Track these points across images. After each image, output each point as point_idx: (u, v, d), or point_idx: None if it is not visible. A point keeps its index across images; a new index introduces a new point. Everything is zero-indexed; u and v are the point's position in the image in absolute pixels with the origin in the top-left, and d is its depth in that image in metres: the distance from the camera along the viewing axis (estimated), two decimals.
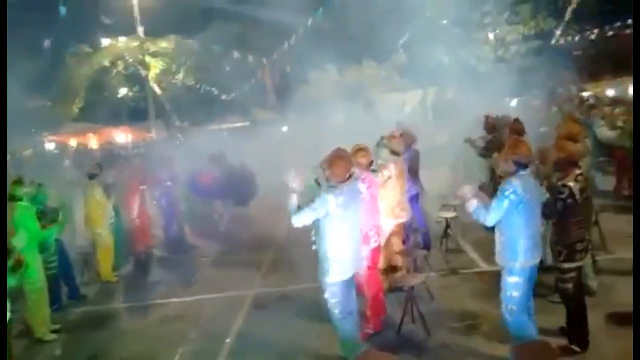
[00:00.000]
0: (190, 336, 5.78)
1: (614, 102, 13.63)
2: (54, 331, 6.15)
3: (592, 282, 5.55)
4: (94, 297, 7.47)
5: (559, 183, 4.37)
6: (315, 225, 4.40)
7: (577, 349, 4.51)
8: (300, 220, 4.31)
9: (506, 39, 26.13)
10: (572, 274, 4.43)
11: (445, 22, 24.65)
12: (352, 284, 4.53)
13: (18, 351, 5.50)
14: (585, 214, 4.54)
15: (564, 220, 4.34)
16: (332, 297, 4.39)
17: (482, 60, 25.93)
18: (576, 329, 4.54)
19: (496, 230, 4.21)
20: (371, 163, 5.34)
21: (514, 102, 21.92)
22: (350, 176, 4.41)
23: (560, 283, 4.55)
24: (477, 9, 25.28)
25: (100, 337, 6.07)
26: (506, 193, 3.98)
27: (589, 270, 5.56)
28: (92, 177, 7.98)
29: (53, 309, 6.70)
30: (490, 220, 4.07)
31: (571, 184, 4.30)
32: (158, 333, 6.01)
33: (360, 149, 5.19)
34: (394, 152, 6.00)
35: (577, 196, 4.29)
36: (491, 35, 25.61)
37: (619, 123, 9.70)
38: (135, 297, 7.26)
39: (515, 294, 4.13)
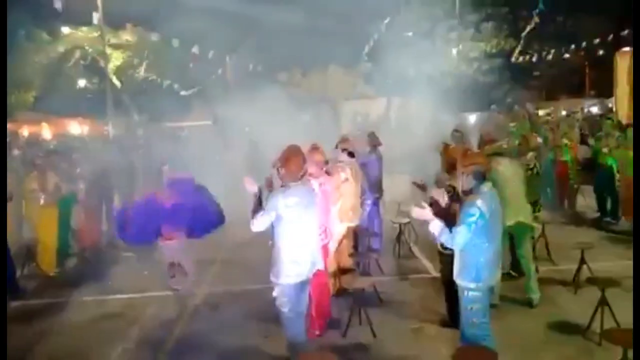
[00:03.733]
0: (131, 334, 5.59)
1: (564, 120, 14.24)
2: None
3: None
4: (34, 291, 7.14)
5: (448, 183, 4.83)
6: (272, 225, 4.30)
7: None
8: (256, 225, 4.19)
9: (469, 55, 26.82)
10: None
11: (410, 34, 25.10)
12: (306, 285, 4.44)
13: None
14: None
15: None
16: (282, 295, 4.27)
17: (445, 75, 26.50)
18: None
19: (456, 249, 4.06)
20: (326, 162, 5.33)
21: (473, 117, 22.51)
22: (304, 174, 4.34)
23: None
24: (442, 24, 25.87)
25: (36, 332, 5.78)
26: (472, 218, 3.83)
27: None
28: (37, 167, 7.68)
29: None
30: (458, 244, 3.91)
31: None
32: (97, 330, 5.78)
33: (315, 148, 5.18)
34: (350, 154, 6.02)
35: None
36: (454, 51, 26.23)
37: (565, 140, 10.14)
38: (76, 292, 6.96)
39: (476, 306, 3.98)
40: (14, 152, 13.12)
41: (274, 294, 4.35)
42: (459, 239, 3.87)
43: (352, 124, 19.02)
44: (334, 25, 20.83)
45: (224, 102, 23.39)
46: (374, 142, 7.53)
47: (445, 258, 4.70)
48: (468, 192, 4.01)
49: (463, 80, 25.98)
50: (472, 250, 3.92)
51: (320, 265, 4.58)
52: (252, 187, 4.26)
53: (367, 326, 5.19)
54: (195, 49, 21.04)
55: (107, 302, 6.63)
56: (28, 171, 8.10)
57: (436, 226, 3.94)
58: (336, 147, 6.06)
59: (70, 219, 8.39)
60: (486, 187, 3.99)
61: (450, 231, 3.91)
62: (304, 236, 4.29)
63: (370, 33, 24.44)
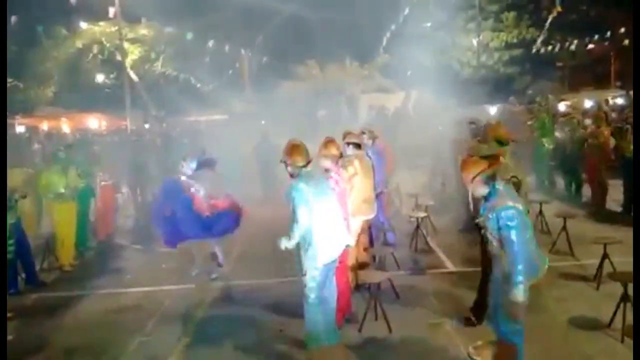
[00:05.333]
0: (148, 326, 5.62)
1: (585, 113, 13.81)
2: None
3: None
4: (53, 284, 7.25)
5: None
6: (294, 217, 4.34)
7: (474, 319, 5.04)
8: (301, 224, 4.26)
9: (489, 46, 26.36)
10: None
11: (429, 25, 24.76)
12: (333, 268, 4.54)
13: None
14: None
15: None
16: (312, 280, 4.37)
17: (465, 66, 26.12)
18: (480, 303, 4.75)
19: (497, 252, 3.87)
20: (341, 155, 5.28)
21: (493, 109, 22.16)
22: (309, 162, 4.47)
23: None
24: (461, 14, 25.45)
25: (54, 324, 5.87)
26: (515, 222, 3.66)
27: None
28: (58, 161, 7.77)
29: (9, 294, 6.55)
30: (521, 253, 3.67)
31: None
32: (114, 322, 5.83)
33: (330, 141, 5.16)
34: (357, 146, 5.95)
35: None
36: (475, 41, 25.78)
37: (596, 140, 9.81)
38: (94, 285, 7.06)
39: (524, 299, 3.77)
40: (34, 147, 13.40)
41: (305, 279, 4.40)
42: (519, 249, 3.66)
43: (369, 117, 18.87)
44: (351, 18, 20.68)
45: (240, 96, 23.54)
46: (371, 136, 7.37)
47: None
48: (483, 199, 3.88)
49: (483, 72, 25.57)
50: (525, 247, 3.73)
51: (348, 241, 4.73)
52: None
53: (383, 321, 5.12)
54: (211, 43, 21.07)
55: (124, 294, 6.70)
56: (48, 165, 8.17)
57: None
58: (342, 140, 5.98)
59: (89, 213, 8.50)
60: (500, 184, 3.86)
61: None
62: (331, 215, 4.46)
63: (387, 25, 24.22)
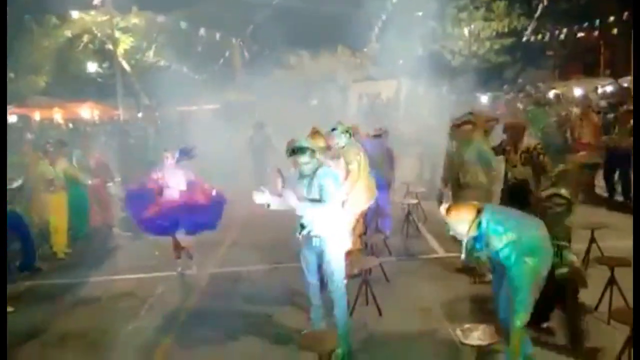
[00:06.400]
0: (142, 313, 5.68)
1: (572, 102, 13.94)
2: None
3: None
4: (46, 271, 7.26)
5: None
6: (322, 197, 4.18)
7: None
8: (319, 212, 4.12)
9: (480, 35, 26.38)
10: None
11: (420, 14, 24.70)
12: None
13: None
14: None
15: None
16: (342, 264, 4.34)
17: (456, 55, 26.14)
18: None
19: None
20: (328, 147, 5.30)
21: (485, 98, 22.27)
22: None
23: None
24: (452, 3, 25.42)
25: (48, 311, 5.89)
26: (514, 257, 3.51)
27: None
28: (47, 155, 7.75)
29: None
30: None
31: None
32: (108, 309, 5.88)
33: (316, 132, 5.14)
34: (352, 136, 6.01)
35: None
36: (466, 31, 25.80)
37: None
38: (88, 272, 7.08)
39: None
40: (27, 136, 13.32)
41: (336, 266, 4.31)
42: (528, 280, 3.53)
43: (360, 105, 18.92)
44: (342, 7, 20.61)
45: (232, 86, 23.42)
46: (381, 132, 7.44)
47: None
48: None
49: (474, 61, 25.61)
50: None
51: None
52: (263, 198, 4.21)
53: (373, 306, 5.19)
54: (202, 32, 20.88)
55: (118, 281, 6.74)
56: (39, 157, 8.11)
57: None
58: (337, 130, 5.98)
59: (84, 202, 8.48)
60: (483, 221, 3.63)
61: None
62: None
63: (378, 14, 24.16)
